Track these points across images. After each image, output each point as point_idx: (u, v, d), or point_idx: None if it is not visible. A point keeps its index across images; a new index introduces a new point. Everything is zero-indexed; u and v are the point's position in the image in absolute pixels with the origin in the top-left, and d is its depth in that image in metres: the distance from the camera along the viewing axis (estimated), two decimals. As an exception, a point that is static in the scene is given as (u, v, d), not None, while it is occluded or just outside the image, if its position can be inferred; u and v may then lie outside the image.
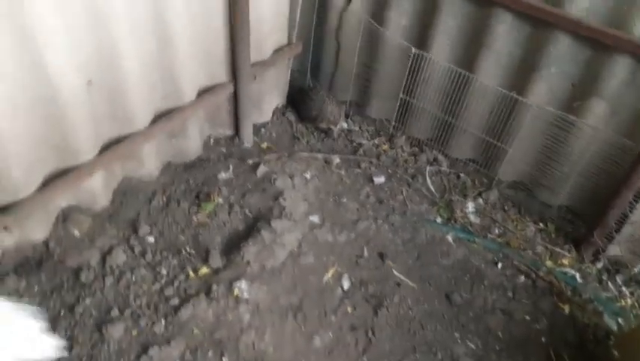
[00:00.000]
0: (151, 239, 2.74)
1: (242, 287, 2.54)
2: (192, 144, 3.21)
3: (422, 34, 3.29)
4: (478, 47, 3.07)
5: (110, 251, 2.62)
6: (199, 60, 2.92)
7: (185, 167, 3.20)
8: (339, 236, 2.95)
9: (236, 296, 2.51)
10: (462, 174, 3.55)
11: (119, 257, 2.59)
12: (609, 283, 3.00)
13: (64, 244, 2.62)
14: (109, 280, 2.52)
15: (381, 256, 2.90)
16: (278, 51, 3.45)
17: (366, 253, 2.90)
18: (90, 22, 2.25)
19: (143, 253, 2.65)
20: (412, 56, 3.29)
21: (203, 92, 3.06)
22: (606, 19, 2.62)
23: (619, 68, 2.67)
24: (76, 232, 2.66)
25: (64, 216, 2.68)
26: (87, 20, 2.23)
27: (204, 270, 2.62)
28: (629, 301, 2.93)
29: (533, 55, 2.90)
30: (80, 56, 2.29)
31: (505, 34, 2.94)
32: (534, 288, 2.90)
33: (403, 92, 3.52)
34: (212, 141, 3.43)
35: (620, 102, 2.78)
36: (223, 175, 3.14)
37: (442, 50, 3.24)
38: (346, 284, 2.72)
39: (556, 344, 2.65)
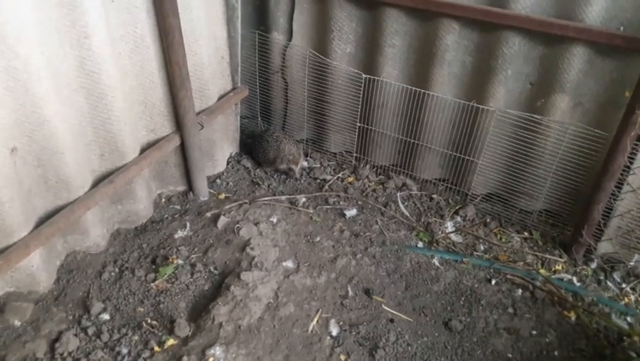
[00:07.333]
0: (106, 316, 2.39)
1: (217, 354, 2.20)
2: (141, 206, 2.91)
3: (370, 58, 3.19)
4: (429, 61, 2.97)
5: (58, 337, 2.25)
6: (138, 113, 2.70)
7: (136, 232, 2.89)
8: (318, 278, 2.67)
9: (213, 365, 2.18)
10: (434, 195, 3.37)
11: (71, 343, 2.22)
12: (608, 282, 2.84)
13: (4, 338, 2.23)
14: (60, 372, 2.15)
15: (368, 292, 2.63)
16: (223, 97, 3.26)
17: (350, 292, 2.63)
18: (6, 85, 2.00)
19: (99, 334, 2.29)
20: (362, 81, 3.18)
21: (148, 148, 2.81)
22: (553, 11, 2.57)
23: (575, 59, 2.60)
24: (17, 322, 2.29)
25: (1, 307, 2.32)
26: (2, 82, 1.99)
27: (171, 341, 2.28)
28: (632, 297, 2.76)
29: (488, 60, 2.81)
30: (-1, 121, 2.03)
31: (454, 44, 2.85)
32: (534, 300, 2.68)
33: (360, 121, 3.38)
34: (163, 199, 3.14)
35: (582, 93, 2.69)
36: (180, 234, 2.86)
37: (392, 71, 3.14)
38: (335, 330, 2.42)
39: (571, 355, 2.42)
